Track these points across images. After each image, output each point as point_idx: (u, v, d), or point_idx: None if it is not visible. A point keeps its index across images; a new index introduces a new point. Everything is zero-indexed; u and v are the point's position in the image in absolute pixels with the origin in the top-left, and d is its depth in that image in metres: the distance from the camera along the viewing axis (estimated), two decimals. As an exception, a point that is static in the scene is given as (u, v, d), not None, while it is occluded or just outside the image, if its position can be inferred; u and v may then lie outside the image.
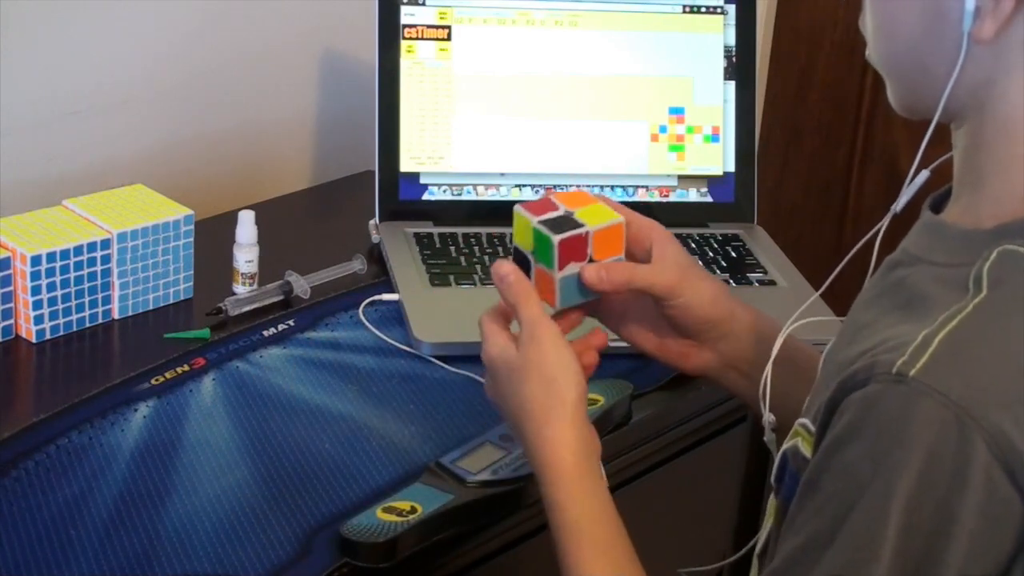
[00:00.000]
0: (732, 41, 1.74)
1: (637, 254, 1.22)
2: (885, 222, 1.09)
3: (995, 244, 0.96)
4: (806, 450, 0.99)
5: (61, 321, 1.43)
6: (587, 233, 1.16)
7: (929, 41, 0.99)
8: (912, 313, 0.95)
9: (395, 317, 1.51)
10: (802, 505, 0.95)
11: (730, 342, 1.24)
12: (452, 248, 1.61)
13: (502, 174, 1.69)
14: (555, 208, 1.17)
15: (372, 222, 1.66)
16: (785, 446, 1.03)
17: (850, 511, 0.90)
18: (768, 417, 1.18)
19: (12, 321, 1.41)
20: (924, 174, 1.08)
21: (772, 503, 1.08)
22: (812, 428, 0.98)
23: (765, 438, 1.18)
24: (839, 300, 1.27)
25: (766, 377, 1.18)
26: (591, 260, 1.17)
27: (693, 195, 1.73)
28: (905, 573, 0.89)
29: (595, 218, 1.17)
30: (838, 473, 0.92)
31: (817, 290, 1.25)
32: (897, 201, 1.09)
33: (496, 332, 1.16)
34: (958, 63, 0.97)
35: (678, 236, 1.66)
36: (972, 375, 0.90)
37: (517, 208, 1.18)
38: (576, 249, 1.16)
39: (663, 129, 1.72)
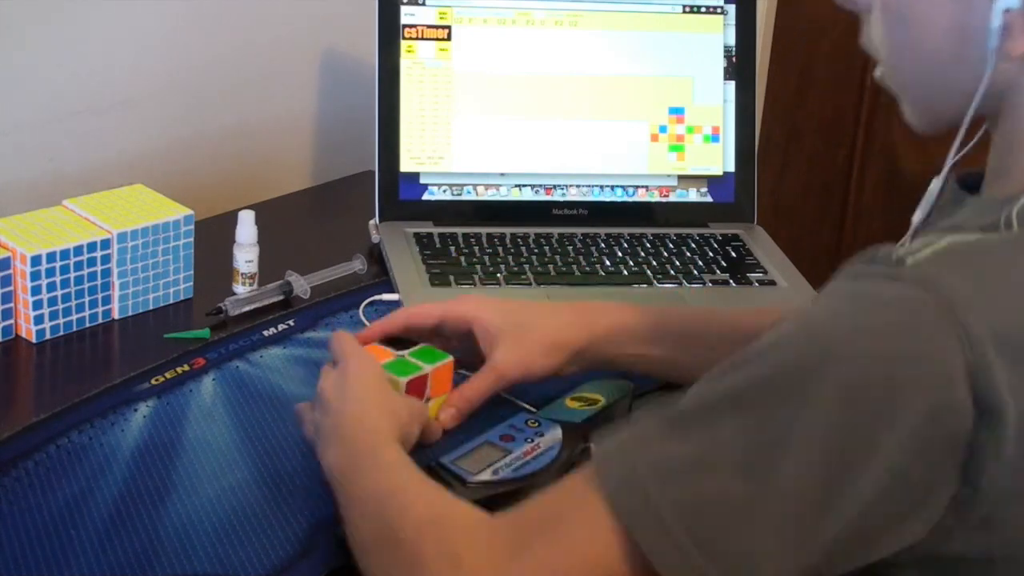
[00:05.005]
0: (732, 41, 1.74)
1: (461, 339, 1.30)
2: (908, 236, 1.07)
3: None
4: None
5: (61, 321, 1.43)
6: (426, 375, 1.26)
7: (955, 60, 0.98)
8: None
9: (395, 317, 1.50)
10: (748, 349, 0.93)
11: (598, 350, 1.30)
12: (452, 248, 1.61)
13: (502, 174, 1.69)
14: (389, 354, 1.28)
15: (372, 222, 1.66)
16: None
17: (797, 362, 0.88)
18: None
19: (12, 321, 1.41)
20: (937, 183, 1.06)
21: None
22: None
23: None
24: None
25: None
26: (428, 399, 1.27)
27: (693, 195, 1.73)
28: (836, 439, 0.87)
29: (428, 358, 1.28)
30: (799, 322, 0.91)
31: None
32: (916, 212, 1.07)
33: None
34: (984, 79, 0.96)
35: (678, 236, 1.68)
36: (971, 280, 0.89)
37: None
38: (418, 388, 1.26)
39: (663, 129, 1.72)
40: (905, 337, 0.87)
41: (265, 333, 1.46)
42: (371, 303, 1.53)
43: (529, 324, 1.29)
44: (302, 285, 1.53)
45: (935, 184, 1.06)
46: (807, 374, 0.88)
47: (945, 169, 1.05)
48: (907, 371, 0.87)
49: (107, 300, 1.46)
